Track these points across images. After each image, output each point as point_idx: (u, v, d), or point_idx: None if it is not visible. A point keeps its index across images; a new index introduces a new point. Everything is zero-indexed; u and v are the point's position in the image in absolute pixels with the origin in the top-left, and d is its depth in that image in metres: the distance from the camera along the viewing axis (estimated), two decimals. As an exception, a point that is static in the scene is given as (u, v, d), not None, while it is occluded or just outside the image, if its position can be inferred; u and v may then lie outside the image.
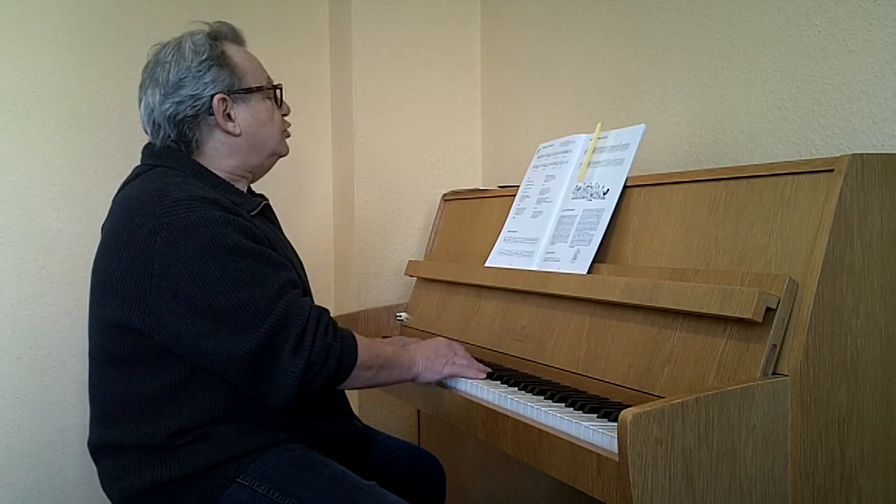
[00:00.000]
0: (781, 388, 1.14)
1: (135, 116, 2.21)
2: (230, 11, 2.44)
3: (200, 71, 1.52)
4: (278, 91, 1.64)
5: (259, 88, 1.58)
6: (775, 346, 1.18)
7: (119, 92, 2.33)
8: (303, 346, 1.37)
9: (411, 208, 2.61)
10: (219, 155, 1.56)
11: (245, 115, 1.56)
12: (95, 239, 1.52)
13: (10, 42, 2.21)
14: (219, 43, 1.56)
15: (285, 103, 1.67)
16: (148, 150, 1.58)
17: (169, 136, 1.53)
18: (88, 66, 2.31)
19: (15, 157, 2.23)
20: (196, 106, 1.52)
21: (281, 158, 1.69)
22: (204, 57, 1.52)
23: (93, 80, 2.31)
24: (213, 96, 1.52)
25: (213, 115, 1.53)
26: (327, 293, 2.68)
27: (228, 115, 1.54)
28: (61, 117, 2.28)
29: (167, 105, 1.52)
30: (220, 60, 1.54)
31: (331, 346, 1.40)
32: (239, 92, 1.55)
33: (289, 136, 1.69)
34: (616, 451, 1.09)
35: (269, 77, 1.63)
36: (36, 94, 2.25)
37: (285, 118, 1.67)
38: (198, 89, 1.52)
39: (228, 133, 1.55)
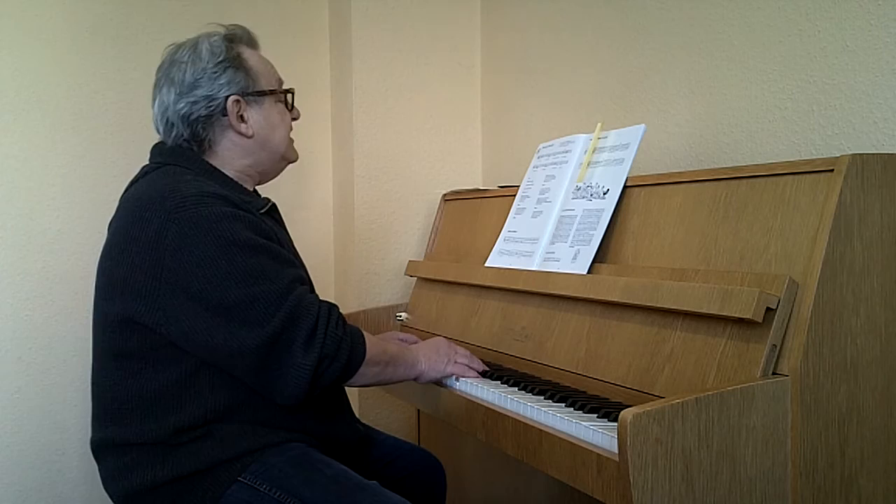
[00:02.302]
0: (781, 388, 1.14)
1: (134, 116, 2.21)
2: (230, 11, 2.44)
3: (216, 72, 1.53)
4: (290, 95, 1.65)
5: (272, 92, 1.60)
6: (775, 346, 1.18)
7: (119, 92, 2.34)
8: (315, 340, 1.37)
9: (411, 208, 2.61)
10: (230, 155, 1.57)
11: (257, 117, 1.58)
12: (96, 238, 1.52)
13: (10, 42, 2.22)
14: (235, 45, 1.58)
15: (296, 108, 1.68)
16: (157, 149, 1.59)
17: (182, 136, 1.54)
18: (88, 66, 2.31)
19: (15, 157, 2.23)
20: (210, 106, 1.53)
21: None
22: (220, 59, 1.54)
23: (93, 80, 2.32)
24: (227, 97, 1.53)
25: (226, 115, 1.54)
26: (328, 293, 2.68)
27: (241, 117, 1.56)
28: (61, 117, 2.28)
29: (181, 104, 1.53)
30: (235, 62, 1.55)
31: (342, 339, 1.41)
32: (252, 94, 1.57)
33: (292, 142, 1.69)
34: (616, 451, 1.09)
35: (281, 80, 1.65)
36: (36, 94, 2.25)
37: (294, 122, 1.68)
38: (213, 90, 1.53)
39: (241, 134, 1.56)
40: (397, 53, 2.58)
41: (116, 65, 2.34)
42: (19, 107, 2.23)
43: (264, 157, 1.61)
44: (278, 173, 1.69)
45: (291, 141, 1.67)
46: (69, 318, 2.27)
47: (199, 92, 1.52)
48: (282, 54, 2.54)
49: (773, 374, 1.17)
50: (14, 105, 2.22)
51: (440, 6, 2.63)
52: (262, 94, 1.58)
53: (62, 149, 2.28)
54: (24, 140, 2.24)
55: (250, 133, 1.57)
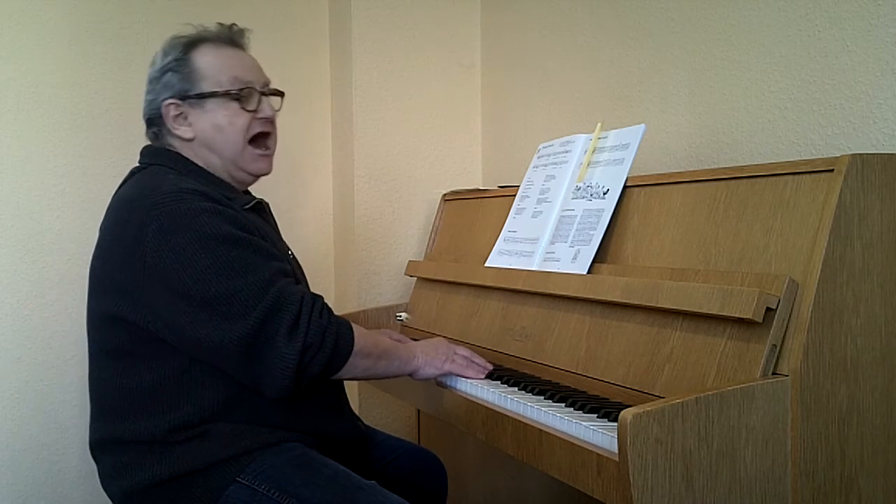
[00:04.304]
0: (781, 388, 1.14)
1: (134, 116, 2.21)
2: (230, 11, 2.44)
3: (158, 76, 1.56)
4: (246, 93, 1.55)
5: (213, 94, 1.54)
6: (775, 346, 1.18)
7: (119, 91, 2.33)
8: (298, 330, 1.37)
9: (411, 208, 2.61)
10: (189, 155, 1.57)
11: (200, 119, 1.55)
12: (95, 238, 1.52)
13: (10, 42, 2.21)
14: (192, 46, 1.56)
15: (266, 104, 1.58)
16: (144, 151, 1.61)
17: (150, 131, 1.60)
18: (88, 66, 2.31)
19: (15, 157, 2.23)
20: (153, 108, 1.57)
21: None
22: (165, 61, 1.56)
23: (93, 80, 2.31)
24: (163, 101, 1.55)
25: (165, 118, 1.56)
26: (327, 293, 2.68)
27: (185, 118, 1.55)
28: (61, 117, 2.28)
29: (144, 103, 1.59)
30: (177, 65, 1.55)
31: (326, 328, 1.40)
32: (191, 97, 1.54)
33: (268, 152, 1.60)
34: (616, 451, 1.09)
35: (239, 79, 1.55)
36: (36, 94, 2.25)
37: (266, 133, 1.59)
38: (155, 93, 1.57)
39: (179, 136, 1.56)
40: (397, 53, 2.58)
41: (116, 65, 2.34)
42: (19, 107, 2.23)
43: (214, 159, 1.57)
44: (245, 182, 1.62)
45: (261, 150, 1.58)
46: (68, 318, 2.27)
47: (149, 95, 1.58)
48: (282, 54, 2.56)
49: (773, 374, 1.17)
50: (14, 105, 2.22)
51: (440, 6, 2.63)
52: (202, 96, 1.54)
53: (62, 149, 2.28)
54: (24, 140, 2.24)
55: (189, 136, 1.55)
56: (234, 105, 1.55)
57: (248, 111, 1.56)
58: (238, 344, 1.35)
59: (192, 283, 1.35)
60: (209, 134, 1.55)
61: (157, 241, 1.37)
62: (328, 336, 1.40)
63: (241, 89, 1.56)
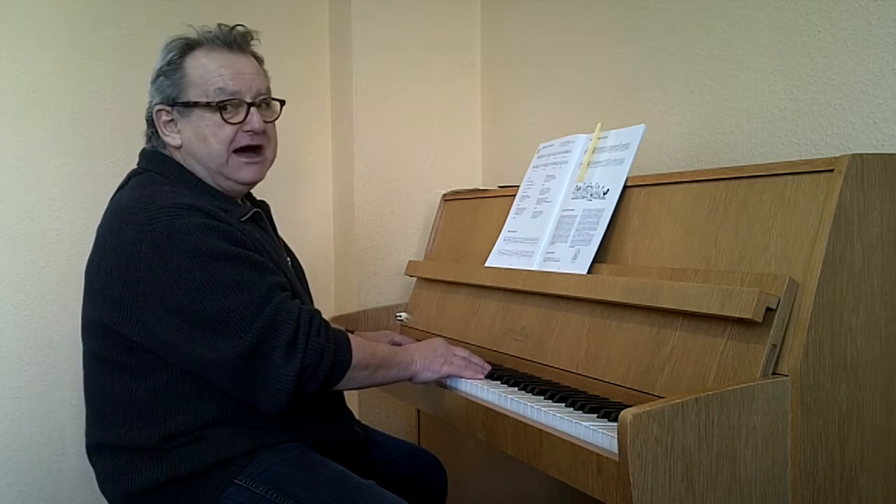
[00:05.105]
0: (781, 388, 1.14)
1: (134, 116, 2.21)
2: (231, 11, 2.44)
3: (154, 78, 1.55)
4: (231, 106, 1.51)
5: (195, 104, 1.50)
6: (775, 346, 1.18)
7: (119, 91, 2.33)
8: (296, 349, 1.35)
9: (411, 208, 2.61)
10: (178, 160, 1.55)
11: (186, 128, 1.52)
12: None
13: (10, 42, 2.21)
14: (187, 50, 1.53)
15: (254, 116, 1.52)
16: (141, 154, 1.59)
17: (147, 131, 1.59)
18: (88, 66, 2.31)
19: (15, 157, 2.23)
20: (149, 111, 1.56)
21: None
22: (160, 64, 1.54)
23: (93, 80, 2.31)
24: (155, 105, 1.54)
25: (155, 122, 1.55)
26: (327, 294, 2.68)
27: (175, 125, 1.53)
28: (61, 117, 2.28)
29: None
30: (170, 70, 1.52)
31: (324, 347, 1.38)
32: (179, 105, 1.52)
33: (256, 159, 1.55)
34: (616, 451, 1.09)
35: (225, 89, 1.51)
36: (36, 94, 2.25)
37: (252, 146, 1.54)
38: (150, 95, 1.56)
39: (169, 143, 1.55)
40: (397, 53, 2.58)
41: (116, 65, 2.34)
42: (19, 107, 2.23)
43: (200, 168, 1.54)
44: (235, 191, 1.58)
45: (246, 158, 1.54)
46: (69, 318, 2.27)
47: (148, 96, 1.56)
48: (282, 54, 2.56)
49: (773, 374, 1.17)
50: (14, 105, 2.22)
51: (440, 6, 2.63)
52: (187, 105, 1.51)
53: (62, 149, 2.28)
54: (24, 140, 2.24)
55: (177, 143, 1.53)
56: (217, 116, 1.51)
57: (232, 124, 1.51)
58: (234, 362, 1.34)
59: (187, 302, 1.34)
60: (193, 143, 1.52)
61: (151, 256, 1.35)
62: (326, 354, 1.38)
63: (225, 101, 1.51)
